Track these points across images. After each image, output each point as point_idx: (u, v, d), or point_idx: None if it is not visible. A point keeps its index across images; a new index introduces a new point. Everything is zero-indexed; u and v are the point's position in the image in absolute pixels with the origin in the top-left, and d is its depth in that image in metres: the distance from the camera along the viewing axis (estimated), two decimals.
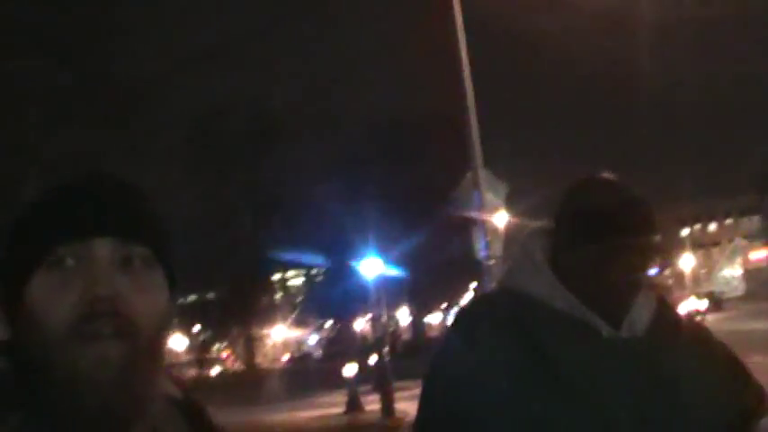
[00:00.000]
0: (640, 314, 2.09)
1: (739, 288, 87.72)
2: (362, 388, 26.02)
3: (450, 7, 14.39)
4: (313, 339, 73.90)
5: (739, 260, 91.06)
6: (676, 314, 2.25)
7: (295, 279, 69.03)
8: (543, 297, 2.08)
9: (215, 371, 63.93)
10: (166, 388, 1.35)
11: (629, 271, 2.02)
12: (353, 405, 24.36)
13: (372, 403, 23.73)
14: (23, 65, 20.62)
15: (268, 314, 57.92)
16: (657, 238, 2.08)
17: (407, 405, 20.87)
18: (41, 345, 1.18)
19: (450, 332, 2.24)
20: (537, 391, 1.94)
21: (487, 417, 1.95)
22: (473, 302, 2.39)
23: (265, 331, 62.79)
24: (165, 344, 1.29)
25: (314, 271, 60.94)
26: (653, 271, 2.22)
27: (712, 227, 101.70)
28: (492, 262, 13.62)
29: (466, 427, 1.98)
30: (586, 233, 2.03)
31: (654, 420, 1.97)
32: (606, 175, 2.16)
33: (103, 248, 1.21)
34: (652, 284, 2.19)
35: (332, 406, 25.86)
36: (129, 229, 1.24)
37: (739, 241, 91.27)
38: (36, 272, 1.20)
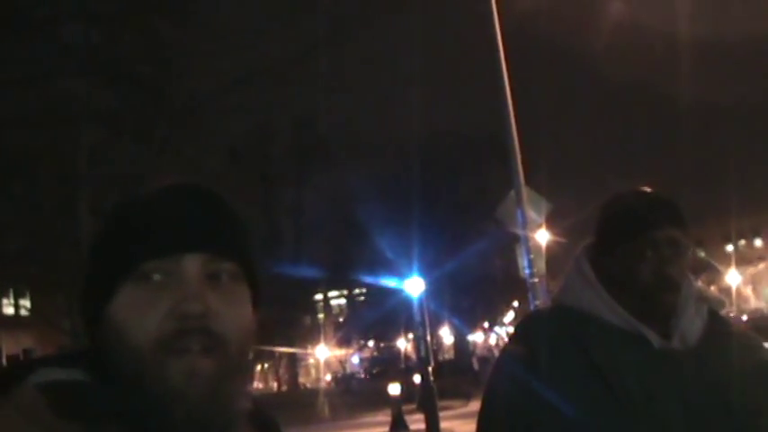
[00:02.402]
0: (692, 325, 2.14)
1: None
2: (406, 407, 25.98)
3: (492, 26, 14.49)
4: (356, 359, 73.83)
5: None
6: (729, 326, 2.28)
7: (337, 299, 69.12)
8: (595, 311, 2.14)
9: (258, 390, 64.03)
10: None
11: (661, 264, 2.09)
12: (398, 424, 24.26)
13: (417, 422, 23.66)
14: (71, 86, 20.99)
15: (310, 334, 57.98)
16: (685, 232, 2.14)
17: (452, 424, 20.85)
18: (129, 358, 1.17)
19: (507, 350, 2.30)
20: (594, 405, 1.99)
21: (543, 427, 2.00)
22: (528, 320, 2.44)
23: (308, 351, 62.83)
24: (250, 358, 1.30)
25: (356, 291, 61.03)
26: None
27: (758, 243, 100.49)
28: (536, 280, 13.62)
29: None
30: (618, 234, 2.14)
31: (705, 430, 2.01)
32: (638, 187, 2.25)
33: (193, 264, 1.20)
34: (703, 297, 2.23)
35: (376, 426, 25.78)
36: (218, 244, 1.23)
37: None
38: (122, 287, 1.20)
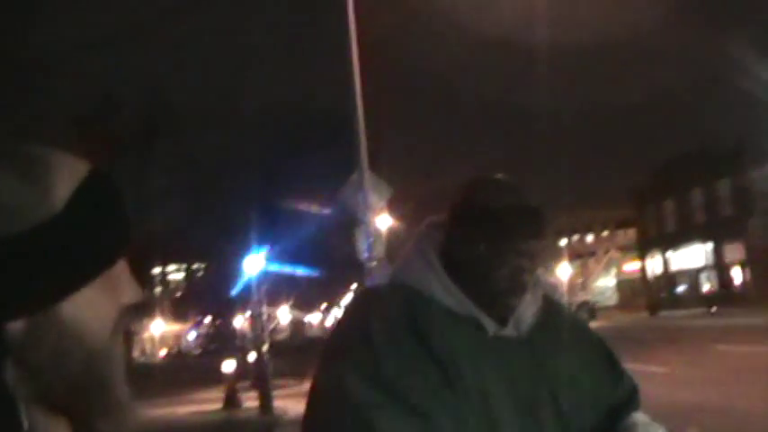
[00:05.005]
0: (526, 313, 2.16)
1: (612, 297, 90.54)
2: (240, 385, 25.94)
3: (344, 9, 14.63)
4: (192, 335, 73.06)
5: (614, 271, 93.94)
6: (560, 312, 2.33)
7: (175, 273, 68.10)
8: (433, 294, 2.11)
9: None
10: None
11: (517, 273, 2.08)
12: (231, 401, 24.21)
13: (250, 400, 23.66)
14: None
15: (146, 309, 57.04)
16: (545, 243, 2.17)
17: (285, 402, 20.95)
18: (79, 354, 1.16)
19: (341, 326, 2.21)
20: (426, 387, 1.97)
21: (378, 411, 1.94)
22: (363, 295, 2.35)
23: (143, 326, 61.81)
24: None
25: (195, 266, 60.28)
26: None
27: (589, 238, 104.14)
28: (374, 263, 13.81)
29: (356, 421, 1.95)
30: (480, 233, 2.08)
31: (533, 418, 2.06)
32: (503, 176, 2.19)
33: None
34: (539, 283, 2.23)
35: (210, 402, 25.63)
36: None
37: (614, 253, 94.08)
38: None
